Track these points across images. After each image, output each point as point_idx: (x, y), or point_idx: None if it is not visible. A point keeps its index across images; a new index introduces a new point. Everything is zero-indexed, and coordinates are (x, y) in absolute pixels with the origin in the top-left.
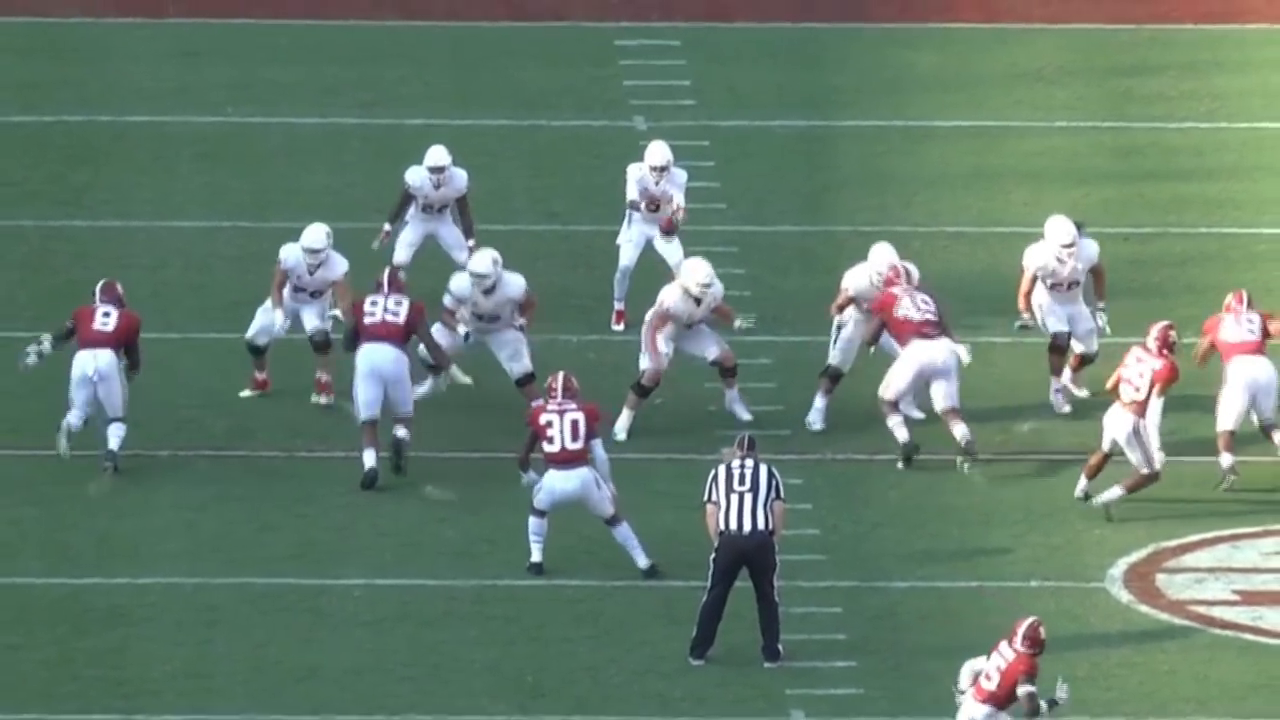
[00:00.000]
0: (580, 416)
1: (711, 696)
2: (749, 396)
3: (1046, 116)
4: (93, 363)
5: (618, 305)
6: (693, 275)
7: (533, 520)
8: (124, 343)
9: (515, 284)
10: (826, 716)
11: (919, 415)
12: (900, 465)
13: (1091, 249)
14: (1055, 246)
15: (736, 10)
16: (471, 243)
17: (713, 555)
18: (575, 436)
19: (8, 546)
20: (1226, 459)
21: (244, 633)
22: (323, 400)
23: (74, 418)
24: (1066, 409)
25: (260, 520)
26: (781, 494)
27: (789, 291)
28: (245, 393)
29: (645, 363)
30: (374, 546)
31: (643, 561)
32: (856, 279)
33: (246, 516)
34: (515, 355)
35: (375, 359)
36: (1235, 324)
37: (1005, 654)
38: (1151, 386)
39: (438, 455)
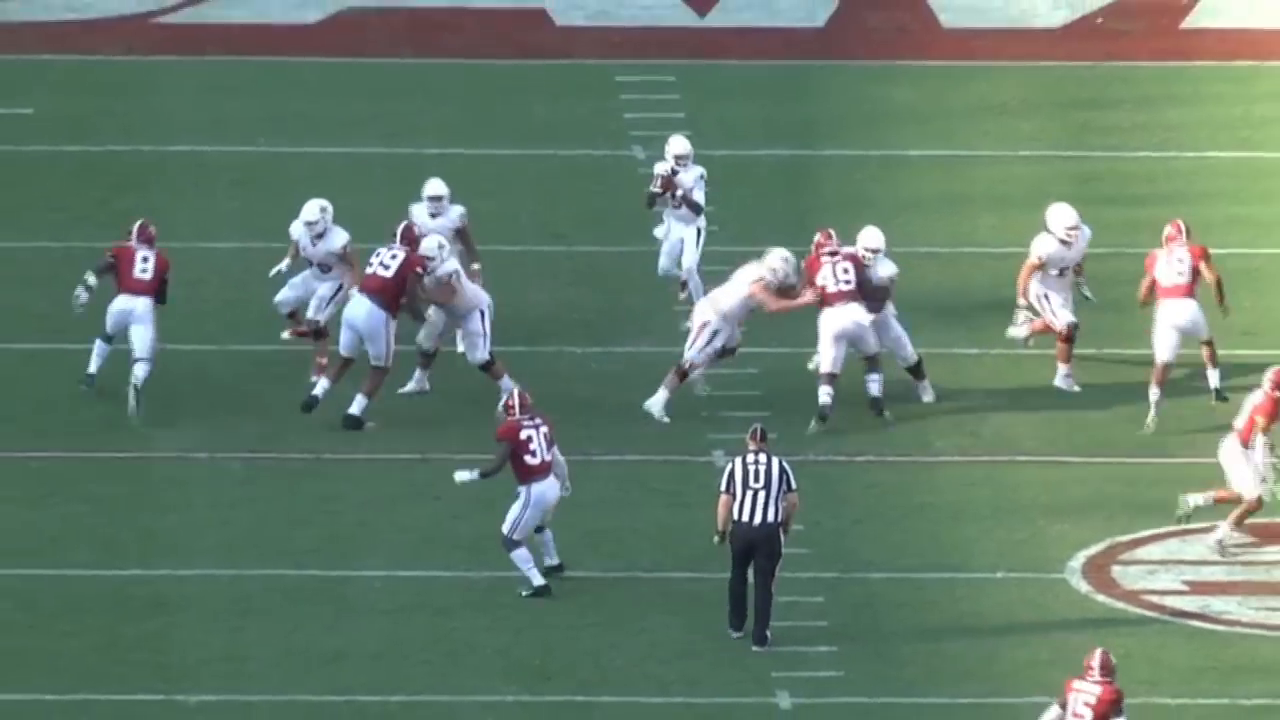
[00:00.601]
0: (548, 428)
1: (704, 679)
2: (737, 404)
3: (1011, 146)
4: (134, 307)
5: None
6: (774, 263)
7: (519, 552)
8: (160, 285)
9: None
10: (809, 697)
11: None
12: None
13: (1087, 232)
14: (1061, 230)
15: (727, 49)
16: (476, 266)
17: (715, 540)
18: (549, 446)
19: (59, 541)
20: (1155, 393)
21: (275, 620)
22: (315, 379)
23: (95, 361)
24: (1077, 389)
25: (289, 517)
26: (794, 485)
27: None
28: (285, 334)
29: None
30: (394, 541)
31: (551, 560)
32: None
33: (276, 514)
34: (471, 347)
35: (350, 312)
36: (1167, 264)
37: (1088, 689)
38: (1251, 417)
39: (453, 456)
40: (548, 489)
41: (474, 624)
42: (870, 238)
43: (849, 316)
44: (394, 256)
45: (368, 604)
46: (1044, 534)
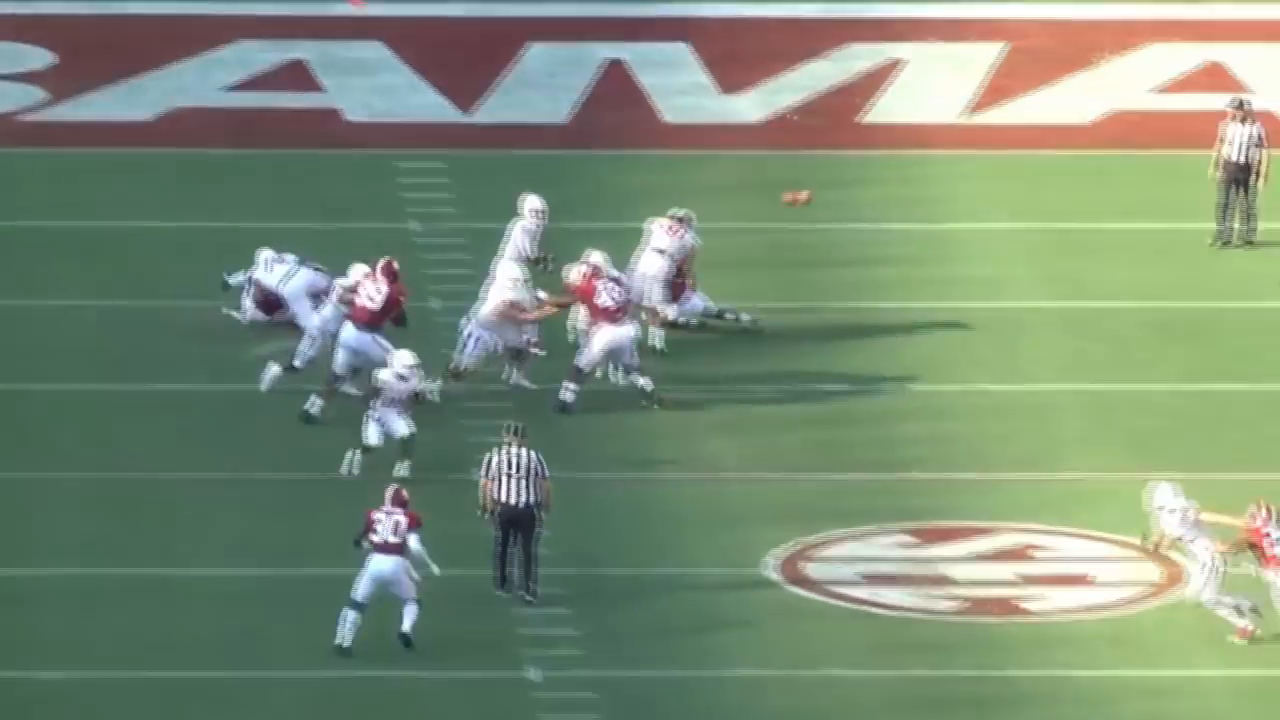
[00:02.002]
0: (402, 519)
1: (467, 655)
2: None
3: (721, 220)
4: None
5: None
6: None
7: (350, 613)
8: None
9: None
10: (552, 670)
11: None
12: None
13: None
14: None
15: (488, 141)
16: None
17: (487, 518)
18: (395, 533)
19: None
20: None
21: (116, 611)
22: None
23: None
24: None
25: (131, 526)
26: (546, 474)
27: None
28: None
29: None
30: (216, 545)
31: (407, 626)
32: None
33: (122, 524)
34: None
35: (347, 336)
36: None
37: None
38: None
39: (267, 475)
40: (381, 563)
41: (279, 615)
42: (598, 256)
43: (626, 331)
44: (379, 290)
45: (195, 596)
46: (746, 537)
